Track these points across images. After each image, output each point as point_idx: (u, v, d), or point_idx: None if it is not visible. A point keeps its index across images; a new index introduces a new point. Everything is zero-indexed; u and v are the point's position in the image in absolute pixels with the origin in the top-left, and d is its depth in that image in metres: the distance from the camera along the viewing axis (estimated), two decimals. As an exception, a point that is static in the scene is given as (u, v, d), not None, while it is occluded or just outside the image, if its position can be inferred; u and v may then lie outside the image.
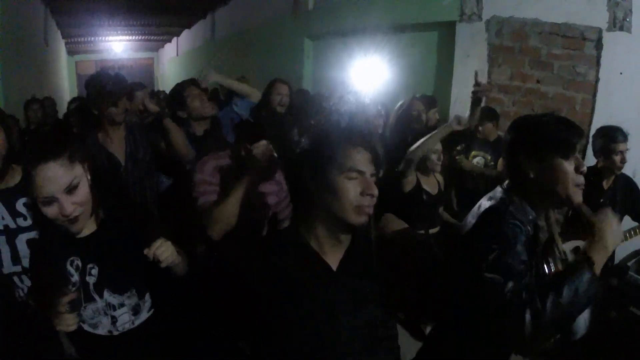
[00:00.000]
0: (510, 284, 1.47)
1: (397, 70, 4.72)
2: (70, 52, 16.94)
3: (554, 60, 4.34)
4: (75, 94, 15.71)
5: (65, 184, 1.52)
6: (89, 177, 1.65)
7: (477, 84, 3.40)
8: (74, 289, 1.57)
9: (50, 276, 1.63)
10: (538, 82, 4.46)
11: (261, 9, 9.03)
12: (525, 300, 1.45)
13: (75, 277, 1.66)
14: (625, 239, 3.16)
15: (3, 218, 2.01)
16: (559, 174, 1.59)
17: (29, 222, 2.04)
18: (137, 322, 1.77)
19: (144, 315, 1.79)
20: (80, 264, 1.67)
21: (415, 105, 3.95)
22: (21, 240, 2.03)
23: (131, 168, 2.85)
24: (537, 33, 4.38)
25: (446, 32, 5.17)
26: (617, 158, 3.20)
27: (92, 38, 15.38)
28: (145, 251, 1.51)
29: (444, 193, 3.68)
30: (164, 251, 1.53)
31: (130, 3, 10.06)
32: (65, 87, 14.76)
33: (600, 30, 4.05)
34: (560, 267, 3.24)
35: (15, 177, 2.06)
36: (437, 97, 4.91)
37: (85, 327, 1.66)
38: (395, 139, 3.78)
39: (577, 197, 1.61)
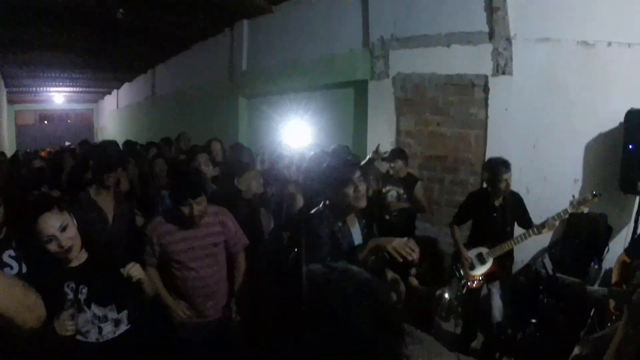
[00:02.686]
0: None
1: (321, 123, 5.15)
2: (10, 102, 16.41)
3: (450, 106, 4.92)
4: (14, 145, 14.96)
5: (58, 225, 2.04)
6: (74, 222, 2.15)
7: (376, 151, 4.27)
8: (69, 304, 2.06)
9: (51, 297, 1.94)
10: (438, 125, 5.03)
11: (199, 68, 9.46)
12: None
13: (71, 295, 2.08)
14: (517, 242, 3.78)
15: None
16: (343, 197, 2.44)
17: (15, 270, 2.37)
18: (117, 332, 2.24)
19: (123, 328, 2.28)
20: (74, 286, 2.11)
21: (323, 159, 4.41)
22: None
23: (117, 223, 3.25)
24: (434, 85, 4.99)
25: (361, 89, 5.76)
26: (503, 185, 3.73)
27: (33, 88, 15.15)
28: (122, 270, 2.13)
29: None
30: (134, 270, 2.15)
31: (72, 56, 10.15)
32: (6, 139, 14.27)
33: (486, 77, 4.63)
34: (468, 270, 3.97)
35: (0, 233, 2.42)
36: (355, 144, 5.48)
37: (79, 337, 2.13)
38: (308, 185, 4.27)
39: (360, 203, 2.47)
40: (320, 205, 2.63)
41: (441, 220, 5.09)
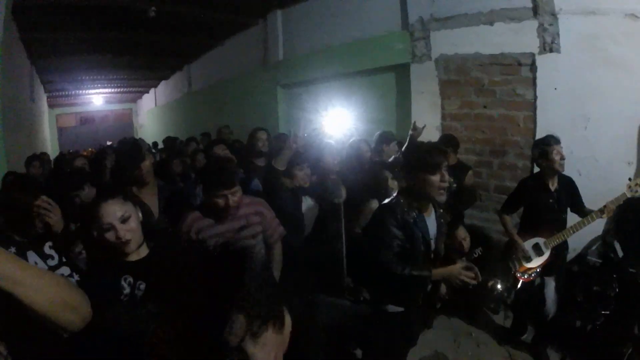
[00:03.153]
0: (383, 251, 2.40)
1: (362, 110, 5.06)
2: (51, 106, 16.79)
3: (495, 87, 4.75)
4: (57, 147, 15.46)
5: (119, 215, 1.97)
6: (139, 214, 2.10)
7: (414, 128, 4.08)
8: (125, 299, 1.99)
9: (106, 290, 1.96)
10: (484, 107, 4.86)
11: (234, 61, 9.47)
12: (391, 264, 2.37)
13: (127, 290, 2.00)
14: (575, 230, 3.58)
15: (36, 263, 2.30)
16: (427, 184, 2.39)
17: (56, 261, 2.39)
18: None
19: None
20: (132, 281, 2.02)
21: (360, 145, 4.34)
22: None
23: (162, 218, 3.20)
24: (478, 65, 4.83)
25: (402, 73, 5.64)
26: (557, 157, 3.53)
27: (73, 92, 15.48)
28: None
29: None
30: None
31: (109, 57, 10.31)
32: (49, 141, 14.64)
33: (533, 55, 4.45)
34: (524, 263, 3.79)
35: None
36: (399, 129, 5.32)
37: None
38: (348, 172, 4.19)
39: (441, 198, 2.43)
40: (395, 194, 2.58)
41: (489, 207, 4.96)
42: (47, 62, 9.99)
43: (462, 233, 4.31)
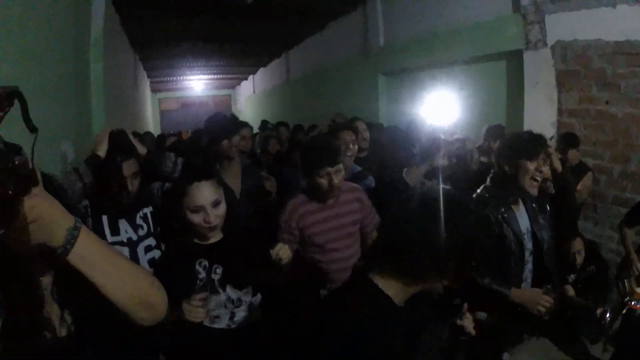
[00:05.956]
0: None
1: (468, 101, 4.83)
2: (154, 91, 18.27)
3: (620, 80, 4.31)
4: (158, 129, 16.68)
5: (212, 199, 2.00)
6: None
7: None
8: (201, 284, 2.00)
9: (181, 275, 2.00)
10: (607, 103, 4.43)
11: (333, 48, 9.51)
12: None
13: (203, 275, 2.03)
14: None
15: (127, 232, 2.46)
16: (522, 171, 2.32)
17: (145, 230, 2.52)
18: (250, 319, 2.10)
19: (256, 314, 2.12)
20: (207, 265, 2.04)
21: (466, 144, 4.13)
22: (141, 249, 2.48)
23: (245, 201, 3.20)
24: (600, 54, 4.39)
25: (514, 61, 5.29)
26: None
27: (174, 78, 16.65)
28: (271, 251, 2.00)
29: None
30: (284, 252, 2.02)
31: (208, 45, 10.87)
32: (151, 123, 15.87)
33: None
34: (634, 286, 3.33)
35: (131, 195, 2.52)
36: (510, 124, 5.02)
37: (206, 322, 1.97)
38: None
39: (533, 190, 2.36)
40: (482, 188, 2.50)
41: (606, 221, 4.56)
42: (149, 50, 10.79)
43: (578, 245, 3.94)
